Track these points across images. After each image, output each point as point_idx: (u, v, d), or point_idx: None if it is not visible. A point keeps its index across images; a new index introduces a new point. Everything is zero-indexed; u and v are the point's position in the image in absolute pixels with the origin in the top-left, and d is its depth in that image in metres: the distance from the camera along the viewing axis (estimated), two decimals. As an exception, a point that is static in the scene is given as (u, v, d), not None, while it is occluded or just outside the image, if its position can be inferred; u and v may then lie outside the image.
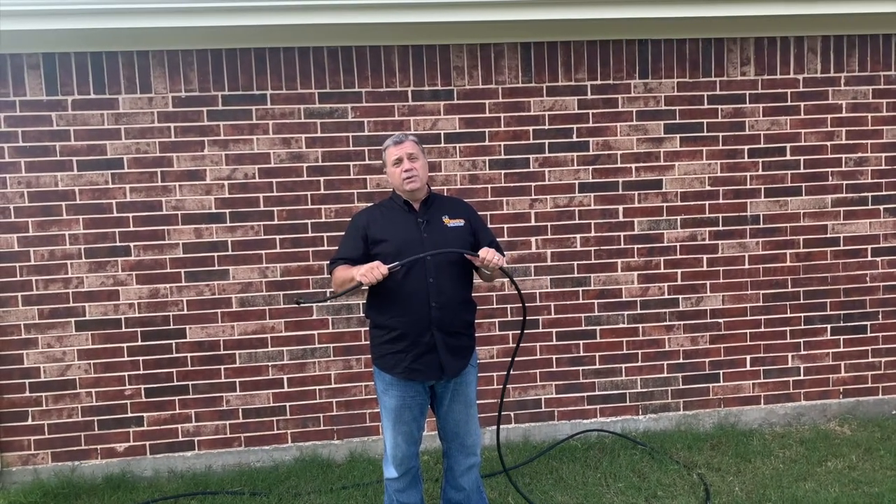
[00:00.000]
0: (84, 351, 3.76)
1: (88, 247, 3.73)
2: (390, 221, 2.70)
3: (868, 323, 4.23)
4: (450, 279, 2.66)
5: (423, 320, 2.60)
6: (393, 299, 2.62)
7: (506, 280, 3.96)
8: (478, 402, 2.96)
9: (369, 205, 3.06)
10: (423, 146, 2.88)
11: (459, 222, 2.74)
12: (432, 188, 2.90)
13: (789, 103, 4.07)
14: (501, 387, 2.80)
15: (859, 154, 4.14)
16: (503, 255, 2.85)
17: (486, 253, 2.56)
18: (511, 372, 2.78)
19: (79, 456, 3.80)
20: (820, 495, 3.31)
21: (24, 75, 3.63)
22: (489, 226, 3.88)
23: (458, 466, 2.86)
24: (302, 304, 2.53)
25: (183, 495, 3.57)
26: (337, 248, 2.86)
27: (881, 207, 4.17)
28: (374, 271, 2.45)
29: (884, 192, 4.16)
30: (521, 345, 2.75)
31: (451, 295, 2.64)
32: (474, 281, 2.84)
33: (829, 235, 4.16)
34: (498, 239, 3.81)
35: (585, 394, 4.10)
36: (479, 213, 3.85)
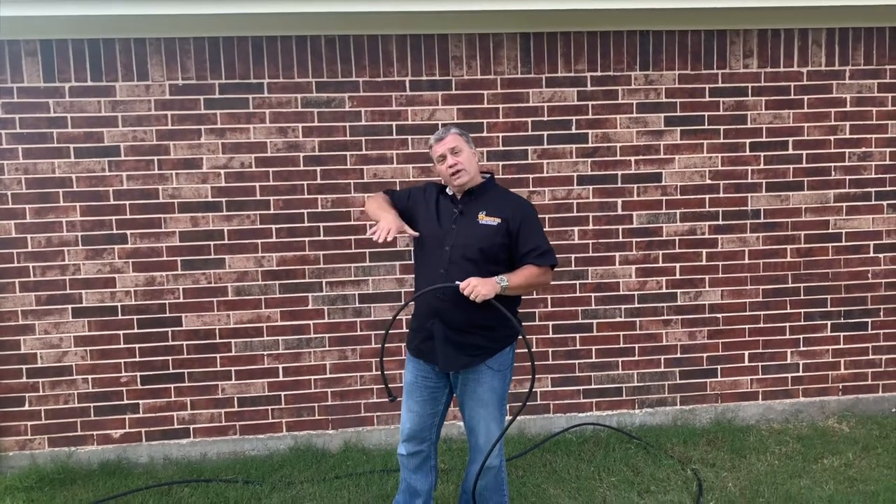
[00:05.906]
0: (81, 338, 3.78)
1: (85, 234, 3.74)
2: (432, 207, 2.70)
3: (869, 320, 4.18)
4: (462, 275, 2.49)
5: (429, 307, 2.63)
6: (418, 278, 2.73)
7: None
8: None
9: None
10: (468, 135, 2.71)
11: (495, 220, 2.56)
12: (492, 176, 2.77)
13: (792, 97, 4.01)
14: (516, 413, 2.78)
15: (863, 149, 4.08)
16: (542, 265, 2.59)
17: (466, 286, 2.41)
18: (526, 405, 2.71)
19: (75, 442, 3.83)
20: (814, 492, 3.29)
21: (22, 62, 3.63)
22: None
23: (474, 464, 2.75)
24: (394, 399, 2.67)
25: (176, 482, 3.59)
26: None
27: (885, 203, 4.11)
28: (381, 232, 2.42)
29: (887, 188, 4.10)
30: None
31: (459, 292, 2.47)
32: None
33: (830, 231, 4.11)
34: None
35: (581, 387, 4.08)
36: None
